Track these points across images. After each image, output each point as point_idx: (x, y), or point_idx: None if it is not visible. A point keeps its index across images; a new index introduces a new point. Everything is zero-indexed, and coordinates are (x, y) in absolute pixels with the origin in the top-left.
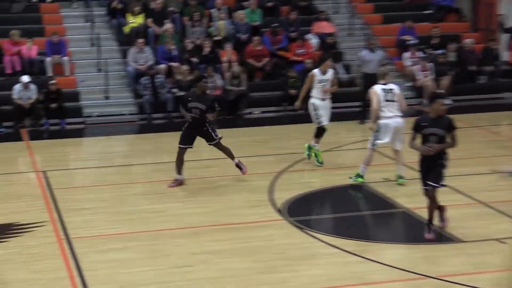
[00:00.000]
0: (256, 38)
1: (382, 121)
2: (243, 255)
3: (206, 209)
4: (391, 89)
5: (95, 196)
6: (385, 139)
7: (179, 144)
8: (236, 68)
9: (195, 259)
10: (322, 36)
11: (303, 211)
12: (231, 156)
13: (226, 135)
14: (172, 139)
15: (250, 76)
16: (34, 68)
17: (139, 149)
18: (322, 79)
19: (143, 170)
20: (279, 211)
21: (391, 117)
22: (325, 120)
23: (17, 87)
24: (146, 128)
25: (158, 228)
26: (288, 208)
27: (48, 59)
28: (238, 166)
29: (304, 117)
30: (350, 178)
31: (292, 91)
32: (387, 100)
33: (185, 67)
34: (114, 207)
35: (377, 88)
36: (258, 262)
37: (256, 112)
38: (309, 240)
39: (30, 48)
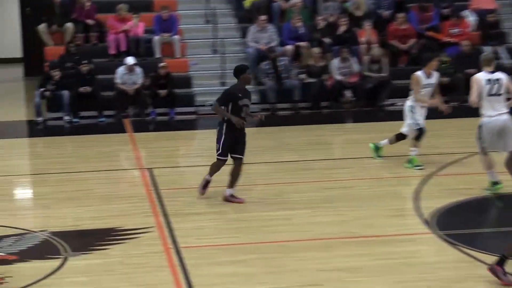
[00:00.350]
0: (400, 15)
1: (484, 121)
2: (382, 274)
3: (338, 218)
4: (497, 80)
5: (208, 199)
6: (492, 146)
7: (221, 152)
8: (376, 50)
9: (325, 276)
10: (481, 13)
11: (456, 223)
12: (234, 183)
13: (363, 130)
14: (299, 133)
15: (393, 61)
16: (140, 48)
17: (260, 145)
18: (426, 83)
19: (264, 170)
20: (427, 222)
21: (494, 115)
22: (422, 121)
23: (121, 70)
24: (268, 120)
25: (282, 239)
26: (438, 219)
27: (156, 38)
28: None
29: (458, 112)
30: (486, 189)
31: (444, 79)
32: (490, 95)
33: (316, 49)
34: (230, 213)
35: (481, 77)
36: (400, 283)
37: (399, 104)
38: (463, 259)
39: (136, 25)
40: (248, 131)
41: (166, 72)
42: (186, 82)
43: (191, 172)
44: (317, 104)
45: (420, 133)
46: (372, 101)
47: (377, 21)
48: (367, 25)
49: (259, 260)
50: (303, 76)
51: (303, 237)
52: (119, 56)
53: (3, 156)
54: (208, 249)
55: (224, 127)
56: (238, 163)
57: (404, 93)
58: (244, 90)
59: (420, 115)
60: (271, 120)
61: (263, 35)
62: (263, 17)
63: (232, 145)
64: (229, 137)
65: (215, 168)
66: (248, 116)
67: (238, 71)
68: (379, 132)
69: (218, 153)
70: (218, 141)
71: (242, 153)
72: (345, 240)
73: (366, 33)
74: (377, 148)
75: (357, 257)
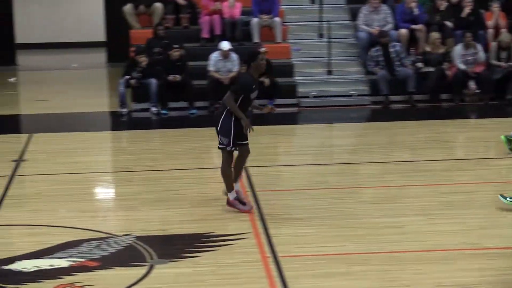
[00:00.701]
0: None
1: None
2: None
3: (458, 227)
4: None
5: (310, 203)
6: None
7: (232, 146)
8: (505, 36)
9: None
10: None
11: None
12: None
13: (489, 127)
14: (414, 129)
15: None
16: (236, 31)
17: (369, 142)
18: None
19: (374, 171)
20: None
21: None
22: None
23: (215, 56)
24: (380, 114)
25: (394, 249)
26: None
27: (255, 20)
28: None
29: None
30: None
31: None
32: None
33: (435, 34)
34: (335, 218)
35: None
36: None
37: None
38: None
39: (233, 5)
40: (355, 126)
41: (265, 59)
42: (288, 70)
43: (291, 172)
44: (436, 96)
45: None
46: (500, 94)
47: (507, 2)
48: (495, 7)
49: (367, 272)
50: (419, 64)
51: (418, 247)
52: (213, 41)
53: (84, 151)
54: (310, 259)
55: (233, 119)
56: (246, 150)
57: None
58: (256, 81)
59: None
60: (383, 114)
61: (376, 17)
62: None
63: (239, 134)
64: (237, 127)
65: (230, 167)
66: (255, 109)
67: (249, 58)
68: (507, 130)
69: (229, 147)
70: (226, 135)
71: (247, 138)
72: (467, 252)
73: (494, 16)
74: (509, 141)
75: (481, 272)
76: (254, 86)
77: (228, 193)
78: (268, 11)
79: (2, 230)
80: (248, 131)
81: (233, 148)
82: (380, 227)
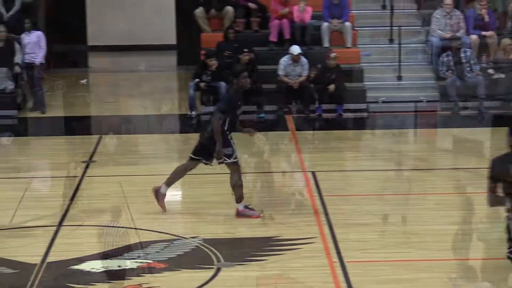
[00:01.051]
0: None
1: None
2: None
3: None
4: None
5: (377, 209)
6: None
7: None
8: None
9: None
10: None
11: None
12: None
13: None
14: (484, 136)
15: None
16: (306, 36)
17: (439, 148)
18: None
19: (442, 177)
20: None
21: None
22: None
23: (284, 60)
24: (450, 120)
25: (460, 257)
26: None
27: (325, 24)
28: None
29: None
30: None
31: None
32: None
33: (507, 41)
34: (401, 225)
35: None
36: None
37: None
38: None
39: (303, 10)
40: (425, 132)
41: (335, 64)
42: (357, 75)
43: (359, 177)
44: (507, 103)
45: None
46: None
47: None
48: None
49: (432, 280)
50: (490, 71)
51: (484, 255)
52: (283, 45)
53: (152, 153)
54: (375, 264)
55: (230, 136)
56: (194, 164)
57: None
58: (240, 97)
59: None
60: (453, 120)
61: (448, 22)
62: (448, 1)
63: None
64: (232, 140)
65: (240, 177)
66: (238, 129)
67: (233, 75)
68: None
69: (233, 158)
70: (227, 147)
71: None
72: None
73: None
74: None
75: None
76: (239, 103)
77: (238, 204)
78: (339, 15)
79: (71, 231)
80: (218, 157)
81: (236, 159)
82: (446, 234)
